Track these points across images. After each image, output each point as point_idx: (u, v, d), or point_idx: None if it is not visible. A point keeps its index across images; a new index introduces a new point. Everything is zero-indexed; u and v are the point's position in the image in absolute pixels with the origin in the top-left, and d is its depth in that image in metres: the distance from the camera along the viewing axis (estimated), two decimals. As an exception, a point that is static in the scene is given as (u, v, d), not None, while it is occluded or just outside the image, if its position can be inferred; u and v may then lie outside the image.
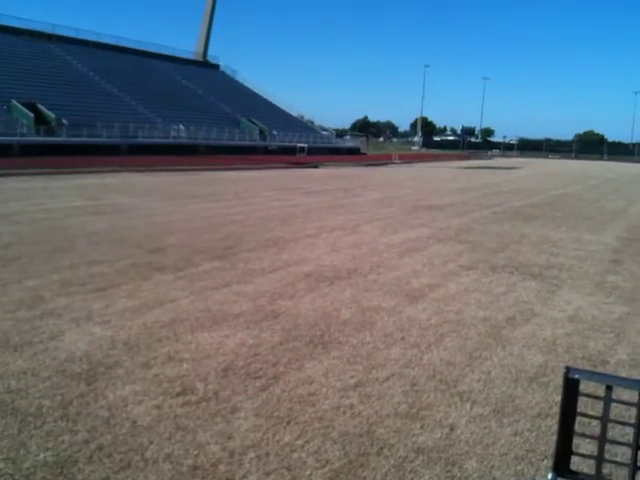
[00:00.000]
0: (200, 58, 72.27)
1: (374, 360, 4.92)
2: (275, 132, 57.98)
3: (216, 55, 75.06)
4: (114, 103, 47.56)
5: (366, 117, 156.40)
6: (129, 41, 62.23)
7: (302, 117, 74.54)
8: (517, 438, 3.70)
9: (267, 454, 3.43)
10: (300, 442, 3.59)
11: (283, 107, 70.93)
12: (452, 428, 3.79)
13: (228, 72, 74.09)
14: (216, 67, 73.58)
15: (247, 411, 3.96)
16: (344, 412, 3.99)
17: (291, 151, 51.43)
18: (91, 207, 14.12)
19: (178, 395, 4.16)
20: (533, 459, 3.46)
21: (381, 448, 3.54)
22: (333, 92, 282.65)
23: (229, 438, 3.60)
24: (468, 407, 4.10)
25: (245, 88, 70.92)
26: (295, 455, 3.44)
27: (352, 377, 4.56)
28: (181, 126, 48.19)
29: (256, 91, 71.15)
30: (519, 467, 3.37)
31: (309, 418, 3.89)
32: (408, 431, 3.74)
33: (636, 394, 2.28)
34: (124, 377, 4.43)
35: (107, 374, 4.48)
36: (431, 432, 3.73)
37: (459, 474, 3.28)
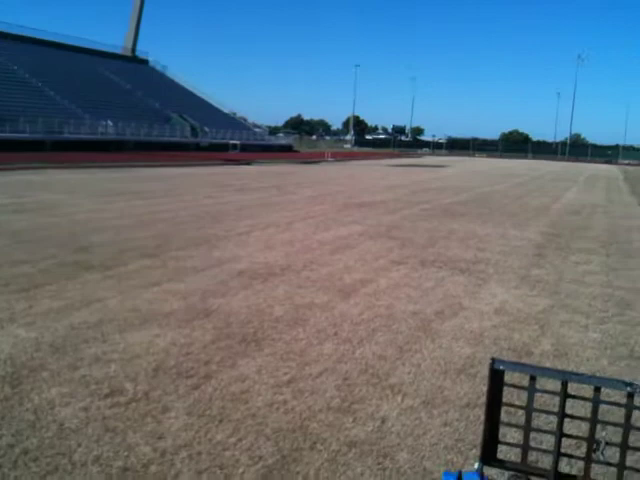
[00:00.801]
0: (129, 53, 70.57)
1: (307, 356, 4.94)
2: (207, 129, 57.33)
3: (146, 50, 73.43)
4: (38, 98, 45.92)
5: (299, 115, 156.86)
6: (55, 35, 60.18)
7: (235, 114, 74.00)
8: (447, 428, 3.79)
9: (199, 453, 3.39)
10: (233, 440, 3.56)
11: (215, 104, 70.23)
12: (384, 421, 3.85)
13: (158, 67, 72.70)
14: (145, 62, 72.03)
15: (178, 410, 3.90)
16: (277, 408, 3.98)
17: (223, 148, 50.99)
18: (14, 205, 13.57)
19: (106, 396, 4.05)
20: (462, 448, 3.55)
21: (314, 443, 3.56)
22: (267, 90, 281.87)
23: (160, 438, 3.54)
24: (399, 399, 4.18)
25: (176, 84, 69.78)
26: (228, 453, 3.41)
27: (285, 373, 4.56)
28: (109, 122, 46.97)
29: (187, 87, 70.14)
30: (449, 456, 3.45)
31: (242, 415, 3.87)
32: (341, 425, 3.77)
33: (559, 384, 2.36)
34: (50, 379, 4.28)
35: (32, 377, 4.32)
36: (363, 425, 3.78)
37: (391, 466, 3.34)
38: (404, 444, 3.57)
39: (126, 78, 60.68)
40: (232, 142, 52.75)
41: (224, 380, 4.41)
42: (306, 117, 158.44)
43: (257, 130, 72.62)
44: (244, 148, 52.76)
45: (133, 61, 69.61)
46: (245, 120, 74.70)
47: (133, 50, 71.33)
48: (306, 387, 4.32)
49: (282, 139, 76.37)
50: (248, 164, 36.14)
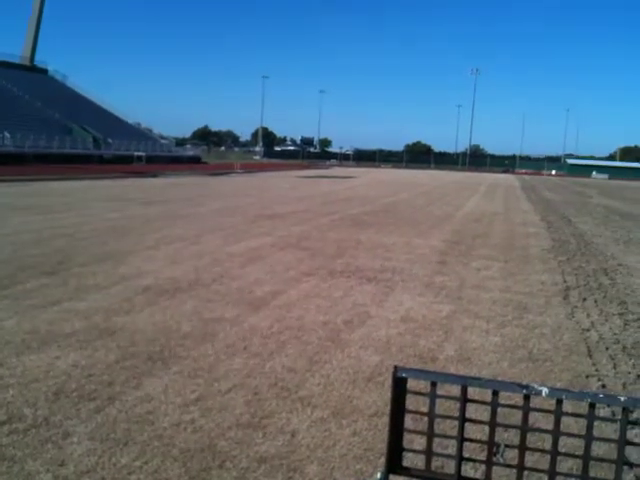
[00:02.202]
0: (27, 62, 67.40)
1: (216, 372, 4.86)
2: (110, 140, 55.60)
3: (45, 60, 70.43)
4: None
5: (206, 126, 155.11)
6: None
7: (139, 125, 72.26)
8: (356, 438, 3.83)
9: (103, 479, 3.26)
10: (138, 463, 3.45)
11: (119, 114, 68.26)
12: (293, 434, 3.84)
13: (58, 77, 69.87)
14: (44, 72, 69.02)
15: (80, 435, 3.73)
16: (185, 428, 3.89)
17: (128, 160, 49.63)
18: None
19: (3, 424, 3.83)
20: (371, 457, 3.60)
21: (223, 461, 3.50)
22: (173, 101, 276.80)
23: (61, 465, 3.38)
24: (309, 412, 4.18)
25: (77, 94, 67.29)
26: (133, 477, 3.30)
27: (193, 391, 4.47)
28: (6, 133, 44.63)
29: (89, 97, 67.80)
30: (358, 466, 3.49)
31: (148, 437, 3.76)
32: (250, 441, 3.73)
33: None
34: (-64, 411, 3.99)
35: None
36: (273, 440, 3.76)
37: (300, 479, 3.33)
38: (314, 456, 3.58)
39: (24, 88, 57.94)
40: (137, 154, 51.47)
41: (129, 401, 4.26)
42: (214, 128, 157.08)
43: (163, 141, 71.24)
44: (150, 160, 51.57)
45: (32, 70, 66.53)
46: (150, 131, 73.14)
47: (32, 59, 68.23)
48: (215, 404, 4.25)
49: (190, 150, 75.29)
50: (154, 176, 35.33)
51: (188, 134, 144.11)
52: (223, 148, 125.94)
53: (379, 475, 2.28)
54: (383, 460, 3.53)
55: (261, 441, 3.74)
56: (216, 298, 7.21)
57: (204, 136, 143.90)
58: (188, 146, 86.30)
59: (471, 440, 2.59)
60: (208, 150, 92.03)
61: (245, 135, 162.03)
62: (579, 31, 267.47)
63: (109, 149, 54.33)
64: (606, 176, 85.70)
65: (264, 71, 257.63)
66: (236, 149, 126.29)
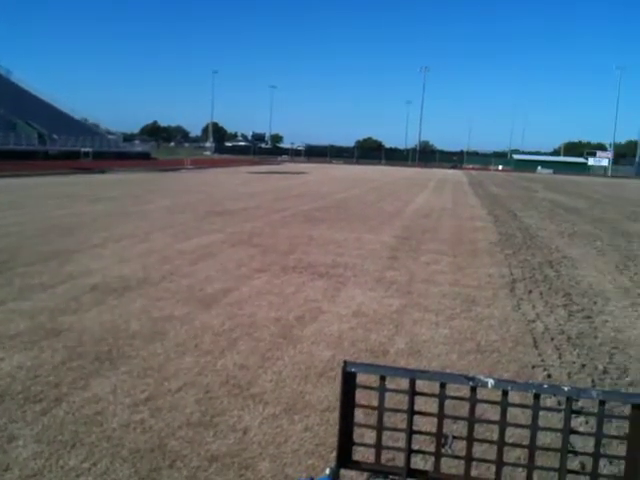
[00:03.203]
0: (-34, 56, 64.88)
1: (166, 371, 4.80)
2: (56, 136, 54.15)
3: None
4: None
5: (156, 122, 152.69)
6: None
7: (86, 120, 70.59)
8: (308, 433, 3.84)
9: (49, 484, 3.18)
10: (87, 465, 3.39)
11: (65, 110, 66.50)
12: (245, 431, 3.83)
13: (1, 72, 67.59)
14: (-14, 66, 66.68)
15: (26, 438, 3.64)
16: (134, 428, 3.83)
17: (75, 156, 48.43)
18: None
19: (-58, 431, 3.70)
20: (323, 452, 3.61)
21: (174, 461, 3.46)
22: (120, 96, 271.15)
23: (6, 470, 3.29)
24: (261, 408, 4.17)
25: (21, 89, 65.24)
26: (81, 479, 3.23)
27: (143, 391, 4.40)
28: (-56, 129, 42.99)
29: (34, 92, 65.82)
30: (310, 461, 3.50)
31: (96, 438, 3.68)
32: (201, 440, 3.70)
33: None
34: None
35: None
36: (224, 438, 3.73)
37: (252, 476, 3.32)
38: (266, 453, 3.57)
39: (-38, 82, 55.92)
40: (84, 150, 50.30)
41: (76, 403, 4.17)
42: (163, 124, 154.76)
43: (111, 137, 69.76)
44: (97, 156, 50.46)
45: (-28, 66, 64.27)
46: (98, 126, 71.47)
47: (-29, 53, 65.83)
48: (164, 404, 4.20)
49: (138, 146, 74.00)
50: (102, 172, 34.59)
51: (136, 130, 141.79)
52: (173, 144, 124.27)
53: (328, 471, 2.29)
54: (334, 454, 3.56)
55: (212, 440, 3.71)
56: (166, 296, 7.11)
57: (153, 132, 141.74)
58: (137, 142, 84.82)
59: (420, 432, 2.62)
60: (157, 146, 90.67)
61: (195, 131, 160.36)
62: (523, 28, 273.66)
63: (55, 145, 52.90)
64: (551, 171, 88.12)
65: (215, 66, 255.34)
66: (186, 145, 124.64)
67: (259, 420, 4.00)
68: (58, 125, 57.53)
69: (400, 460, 2.58)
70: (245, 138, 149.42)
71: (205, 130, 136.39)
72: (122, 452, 3.54)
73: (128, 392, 4.38)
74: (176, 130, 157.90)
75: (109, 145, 63.08)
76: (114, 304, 6.70)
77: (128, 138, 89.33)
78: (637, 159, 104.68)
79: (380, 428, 2.58)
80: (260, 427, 3.90)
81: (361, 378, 2.92)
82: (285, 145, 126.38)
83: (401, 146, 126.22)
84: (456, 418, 2.62)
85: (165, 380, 4.62)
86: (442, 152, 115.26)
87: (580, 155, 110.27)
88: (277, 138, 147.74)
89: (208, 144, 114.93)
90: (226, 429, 3.86)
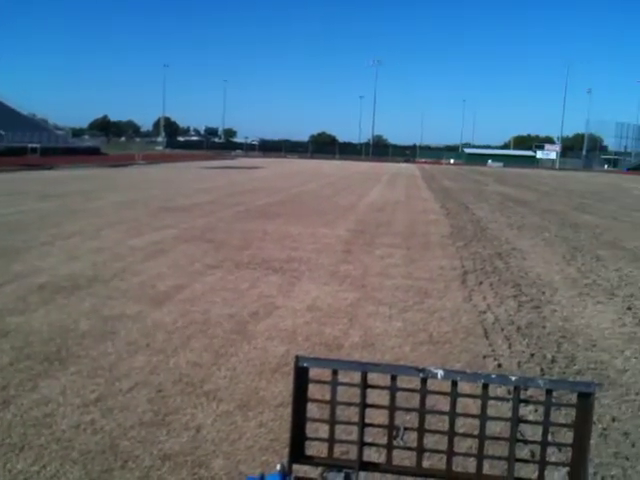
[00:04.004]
0: None
1: (117, 371, 4.72)
2: (2, 132, 52.54)
3: None
4: None
5: (106, 116, 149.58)
6: None
7: (34, 116, 68.68)
8: (262, 429, 3.84)
9: (-5, 489, 3.10)
10: (36, 468, 3.31)
11: (11, 105, 64.56)
12: (198, 429, 3.79)
13: (-59, 65, 65.15)
14: None
15: (-29, 444, 3.53)
16: (85, 429, 3.76)
17: (22, 152, 47.05)
18: None
19: None
20: (277, 447, 3.61)
21: (125, 461, 3.41)
22: (68, 90, 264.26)
23: (-50, 477, 3.18)
24: (214, 406, 4.14)
25: (-37, 83, 62.98)
26: (29, 485, 3.15)
27: (93, 392, 4.32)
28: None
29: (-23, 86, 63.64)
30: (264, 457, 3.49)
31: (45, 441, 3.60)
32: (154, 439, 3.65)
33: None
34: None
35: None
36: (177, 437, 3.70)
37: (206, 474, 3.30)
38: (219, 450, 3.55)
39: None
40: (31, 146, 48.91)
41: (24, 405, 4.07)
42: (113, 118, 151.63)
43: (59, 132, 68.05)
44: (45, 152, 49.11)
45: None
46: (46, 122, 69.65)
47: None
48: (116, 404, 4.13)
49: (88, 141, 72.52)
50: (50, 169, 33.71)
51: (86, 125, 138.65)
52: (124, 139, 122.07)
53: (279, 467, 2.29)
54: (289, 450, 3.56)
55: (165, 438, 3.67)
56: (116, 294, 6.99)
57: (103, 127, 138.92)
58: (86, 137, 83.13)
59: (372, 425, 2.65)
60: (107, 141, 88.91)
61: (147, 125, 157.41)
62: (472, 21, 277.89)
63: (1, 141, 51.30)
64: (501, 164, 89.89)
65: (166, 59, 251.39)
66: (137, 140, 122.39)
67: (213, 417, 3.97)
68: (4, 121, 55.77)
69: (354, 453, 2.59)
70: (198, 133, 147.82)
71: (157, 125, 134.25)
72: (72, 454, 3.47)
73: (78, 393, 4.29)
74: (127, 125, 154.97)
75: (57, 141, 61.52)
76: (63, 303, 6.55)
77: (77, 133, 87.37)
78: (584, 152, 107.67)
79: (333, 422, 2.59)
80: (214, 424, 3.87)
81: (315, 372, 2.92)
82: (239, 140, 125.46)
83: (355, 140, 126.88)
84: (407, 410, 2.65)
85: (116, 380, 4.54)
86: (395, 146, 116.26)
87: (529, 148, 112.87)
88: (231, 133, 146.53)
89: (160, 139, 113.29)
90: (179, 427, 3.81)
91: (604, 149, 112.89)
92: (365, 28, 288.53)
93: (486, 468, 2.66)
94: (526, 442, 3.24)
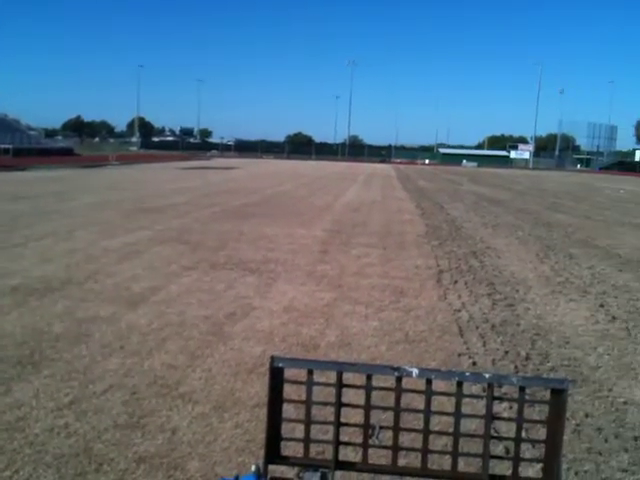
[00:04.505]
0: None
1: (91, 374, 4.66)
2: (-28, 132, 51.69)
3: None
4: None
5: (79, 116, 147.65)
6: None
7: (6, 116, 67.63)
8: (238, 430, 3.82)
9: (-35, 496, 3.04)
10: (8, 473, 3.26)
11: (-19, 105, 63.52)
12: (174, 431, 3.77)
13: None
14: None
15: (-59, 450, 3.46)
16: (58, 433, 3.71)
17: (-8, 153, 46.30)
18: None
19: None
20: (253, 448, 3.60)
21: (100, 464, 3.37)
22: (41, 90, 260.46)
23: None
24: (190, 408, 4.12)
25: None
26: (1, 490, 3.10)
27: (67, 395, 4.26)
28: None
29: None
30: (240, 459, 3.48)
31: (18, 445, 3.55)
32: (128, 442, 3.62)
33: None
34: None
35: None
36: (152, 439, 3.67)
37: (182, 476, 3.28)
38: (195, 452, 3.53)
39: None
40: (3, 146, 48.19)
41: (-4, 409, 4.00)
42: (87, 119, 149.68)
43: (32, 133, 67.13)
44: (18, 153, 48.44)
45: None
46: (18, 122, 68.59)
47: None
48: (90, 407, 4.08)
49: (61, 142, 71.59)
50: (23, 170, 33.21)
51: (59, 125, 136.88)
52: (97, 139, 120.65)
53: (254, 468, 2.29)
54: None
55: (140, 441, 3.64)
56: (90, 297, 6.91)
57: (77, 127, 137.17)
58: (59, 137, 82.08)
59: (348, 424, 2.65)
60: (81, 141, 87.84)
61: (121, 126, 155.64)
62: (445, 21, 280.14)
63: (-30, 142, 50.46)
64: (475, 164, 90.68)
65: (141, 59, 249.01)
66: (111, 140, 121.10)
67: (188, 419, 3.94)
68: (-26, 121, 54.88)
69: (330, 453, 2.60)
70: (173, 133, 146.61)
71: (131, 125, 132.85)
72: (46, 458, 3.43)
73: (52, 396, 4.24)
74: (101, 125, 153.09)
75: (30, 141, 60.63)
76: (36, 305, 6.46)
77: (50, 134, 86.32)
78: (557, 152, 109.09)
79: (308, 422, 2.59)
80: (189, 426, 3.85)
81: (291, 372, 2.92)
82: (214, 140, 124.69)
83: (331, 141, 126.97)
84: (382, 408, 2.66)
85: (90, 383, 4.50)
86: (371, 147, 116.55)
87: (503, 148, 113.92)
88: (206, 133, 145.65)
89: (134, 139, 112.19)
90: (154, 430, 3.79)
91: (576, 149, 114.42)
92: (341, 29, 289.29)
93: (461, 465, 2.69)
94: (501, 439, 3.28)
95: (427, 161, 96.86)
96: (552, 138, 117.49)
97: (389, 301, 7.23)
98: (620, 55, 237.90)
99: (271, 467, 2.51)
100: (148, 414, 4.00)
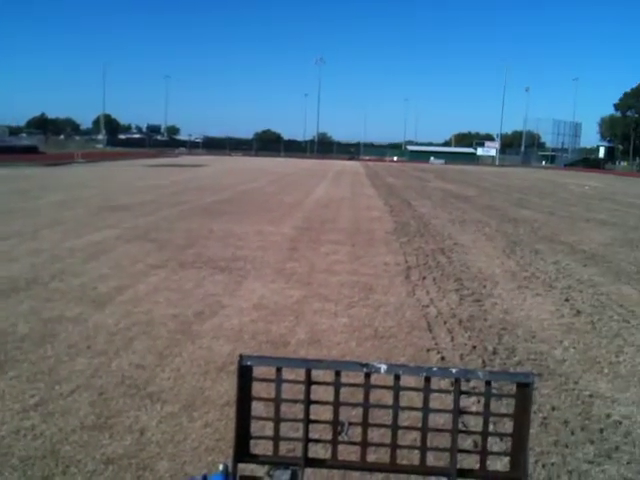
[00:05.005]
0: None
1: (57, 375, 4.60)
2: None
3: None
4: None
5: (44, 114, 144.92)
6: None
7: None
8: (207, 430, 3.81)
9: None
10: (-28, 478, 3.19)
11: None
12: (142, 432, 3.74)
13: None
14: None
15: None
16: (24, 435, 3.65)
17: (-48, 151, 45.20)
18: None
19: None
20: (223, 447, 3.59)
21: (67, 466, 3.33)
22: (6, 89, 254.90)
23: None
24: (159, 407, 4.09)
25: None
26: (-36, 496, 3.04)
27: (33, 396, 4.20)
28: None
29: None
30: (210, 458, 3.47)
31: (-18, 450, 3.48)
32: (96, 443, 3.58)
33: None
34: None
35: None
36: (121, 440, 3.63)
37: (151, 477, 3.26)
38: (164, 452, 3.51)
39: None
40: (-36, 144, 47.08)
41: (-41, 413, 3.92)
42: (51, 116, 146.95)
43: (-6, 131, 65.82)
44: (-21, 150, 47.35)
45: None
46: (-21, 120, 67.17)
47: None
48: (56, 408, 4.02)
49: (26, 140, 70.19)
50: (-16, 168, 32.47)
51: (23, 123, 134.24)
52: (62, 137, 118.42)
53: (221, 467, 2.28)
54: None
55: (108, 442, 3.60)
56: (56, 297, 6.80)
57: (41, 124, 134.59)
58: (23, 135, 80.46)
59: (317, 421, 2.66)
60: (46, 139, 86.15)
61: (86, 123, 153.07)
62: (413, 20, 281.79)
63: None
64: (443, 161, 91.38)
65: (107, 56, 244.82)
66: (77, 138, 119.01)
67: (157, 419, 3.91)
68: None
69: (300, 450, 2.60)
70: (140, 130, 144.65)
71: (97, 122, 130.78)
72: (12, 460, 3.37)
73: (17, 398, 4.17)
74: (66, 122, 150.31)
75: (-8, 139, 59.42)
76: (0, 306, 6.33)
77: (14, 131, 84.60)
78: (522, 149, 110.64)
79: (277, 420, 2.60)
80: (158, 426, 3.82)
81: (261, 370, 2.92)
82: (182, 137, 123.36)
83: (300, 138, 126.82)
84: (351, 405, 2.68)
85: (56, 384, 4.43)
86: (340, 144, 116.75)
87: (470, 145, 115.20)
88: (174, 130, 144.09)
89: (100, 137, 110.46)
90: (122, 430, 3.75)
91: (542, 146, 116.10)
92: (309, 26, 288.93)
93: (430, 460, 2.72)
94: (469, 433, 3.32)
95: (395, 158, 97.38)
96: (518, 135, 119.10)
97: (358, 298, 7.27)
98: (584, 53, 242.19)
99: (241, 466, 2.51)
100: (116, 415, 3.96)
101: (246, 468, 2.75)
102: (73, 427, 3.77)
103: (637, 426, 4.18)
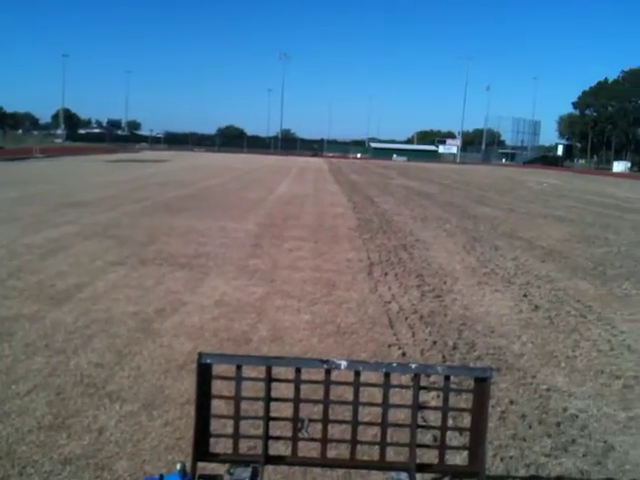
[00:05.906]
0: None
1: (14, 374, 4.50)
2: None
3: None
4: None
5: (1, 108, 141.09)
6: None
7: None
8: (168, 428, 3.78)
9: None
10: None
11: None
12: (101, 431, 3.69)
13: None
14: None
15: None
16: (-22, 437, 3.57)
17: None
18: None
19: None
20: (183, 445, 3.56)
21: (24, 467, 3.27)
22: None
23: None
24: (118, 406, 4.03)
25: None
26: None
27: (-13, 397, 4.10)
28: None
29: None
30: (170, 456, 3.44)
31: None
32: (53, 443, 3.52)
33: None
34: None
35: None
36: (79, 440, 3.57)
37: (109, 477, 3.22)
38: (123, 452, 3.47)
39: None
40: None
41: None
42: (9, 110, 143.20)
43: (-52, 124, 63.87)
44: None
45: None
46: None
47: None
48: (13, 408, 3.94)
49: (-20, 134, 68.28)
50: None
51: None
52: (20, 131, 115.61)
53: (178, 466, 2.27)
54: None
55: (65, 442, 3.54)
56: (12, 294, 6.65)
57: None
58: (-22, 129, 78.26)
59: (277, 419, 2.66)
60: (3, 134, 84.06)
61: (45, 117, 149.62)
62: (376, 17, 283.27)
63: None
64: (405, 158, 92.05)
65: (66, 49, 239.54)
66: (35, 132, 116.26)
67: (116, 419, 3.86)
68: None
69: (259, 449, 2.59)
70: (100, 125, 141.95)
71: (56, 117, 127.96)
72: (-36, 464, 3.29)
73: (-30, 399, 4.06)
74: (24, 117, 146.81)
75: (-56, 132, 57.67)
76: (-48, 305, 6.17)
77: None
78: (483, 146, 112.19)
79: (237, 417, 2.59)
80: (117, 426, 3.77)
81: (222, 368, 2.91)
82: (144, 132, 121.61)
83: (263, 134, 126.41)
84: (311, 402, 2.68)
85: (13, 383, 4.34)
86: (304, 140, 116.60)
87: (432, 143, 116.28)
88: (135, 125, 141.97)
89: (59, 131, 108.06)
90: (80, 430, 3.69)
91: (502, 143, 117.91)
92: (273, 21, 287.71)
93: (390, 455, 2.72)
94: (428, 428, 3.36)
95: (359, 155, 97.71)
96: (479, 133, 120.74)
97: (321, 294, 7.28)
98: (544, 52, 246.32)
99: (201, 464, 2.49)
100: (74, 414, 3.90)
101: (207, 467, 2.75)
102: (30, 427, 3.70)
103: (593, 419, 4.29)
